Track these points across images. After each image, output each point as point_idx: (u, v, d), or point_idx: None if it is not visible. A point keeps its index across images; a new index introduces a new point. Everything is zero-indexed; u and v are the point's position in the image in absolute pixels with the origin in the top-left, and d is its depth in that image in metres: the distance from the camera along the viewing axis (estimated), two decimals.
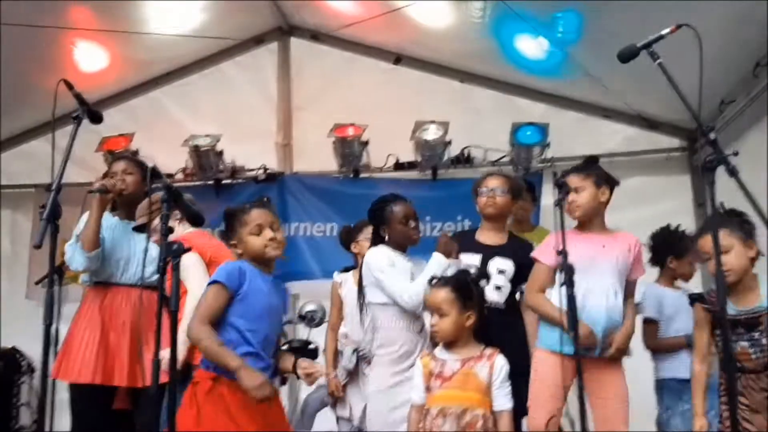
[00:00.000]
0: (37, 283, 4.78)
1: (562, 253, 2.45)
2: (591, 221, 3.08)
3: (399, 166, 5.64)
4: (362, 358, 3.56)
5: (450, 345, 2.45)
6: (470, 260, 3.27)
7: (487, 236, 3.40)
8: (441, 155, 5.41)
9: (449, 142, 5.35)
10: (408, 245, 3.28)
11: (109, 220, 3.50)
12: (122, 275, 3.45)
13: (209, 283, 2.48)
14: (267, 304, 2.48)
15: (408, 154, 5.53)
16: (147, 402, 3.22)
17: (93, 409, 3.37)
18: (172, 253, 2.01)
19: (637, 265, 3.05)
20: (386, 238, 3.27)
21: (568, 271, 2.41)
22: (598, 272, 2.96)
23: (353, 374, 3.61)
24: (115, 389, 3.39)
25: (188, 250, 2.04)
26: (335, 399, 3.71)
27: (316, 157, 5.72)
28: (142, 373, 3.29)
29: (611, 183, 3.13)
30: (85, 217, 3.39)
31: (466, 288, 2.51)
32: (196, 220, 2.24)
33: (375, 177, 5.66)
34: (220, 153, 5.59)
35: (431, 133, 5.26)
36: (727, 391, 2.27)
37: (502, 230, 3.41)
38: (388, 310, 3.10)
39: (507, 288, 3.27)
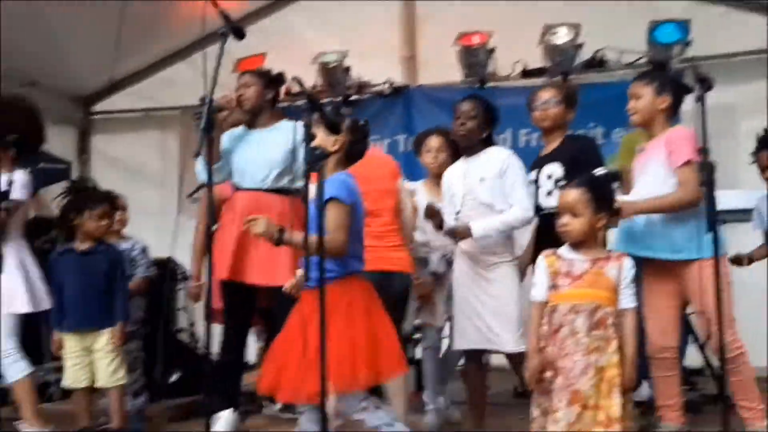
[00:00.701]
0: (189, 196, 5.16)
1: (703, 151, 2.38)
2: (651, 127, 3.08)
3: (527, 73, 5.51)
4: (449, 263, 3.71)
5: (578, 245, 2.47)
6: (532, 176, 3.37)
7: (544, 149, 3.47)
8: (572, 59, 5.22)
9: (581, 45, 5.15)
10: (459, 142, 3.42)
11: (236, 131, 3.70)
12: (245, 180, 3.64)
13: None
14: None
15: (536, 60, 5.38)
16: (283, 302, 3.50)
17: (236, 304, 3.60)
18: (315, 159, 2.14)
19: (671, 155, 2.94)
20: None
21: (708, 169, 2.34)
22: (644, 174, 3.05)
23: (441, 279, 3.77)
24: (257, 289, 3.64)
25: (329, 155, 2.16)
26: (421, 304, 3.84)
27: (441, 68, 5.69)
28: (274, 272, 3.50)
29: (678, 90, 3.09)
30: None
31: (601, 189, 2.49)
32: (334, 128, 2.34)
33: (502, 86, 5.56)
34: (347, 69, 5.69)
35: (561, 37, 5.09)
36: None
37: (559, 137, 3.42)
38: None
39: (557, 191, 3.26)
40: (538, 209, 3.31)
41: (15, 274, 3.43)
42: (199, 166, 3.65)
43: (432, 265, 3.76)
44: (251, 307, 3.69)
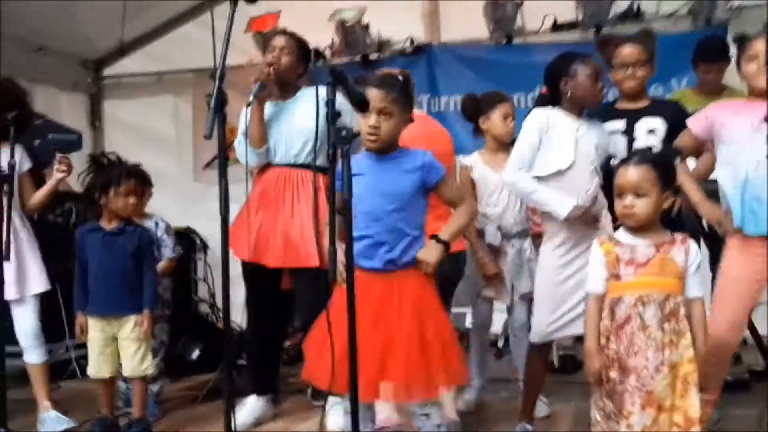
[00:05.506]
0: (205, 167, 5.00)
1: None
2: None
3: (557, 27, 5.20)
4: (505, 236, 3.50)
5: (638, 229, 2.21)
6: (614, 126, 3.07)
7: (629, 104, 3.14)
8: (606, 11, 4.92)
9: None
10: (590, 103, 3.03)
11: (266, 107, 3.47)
12: (276, 156, 3.45)
13: None
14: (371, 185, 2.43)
15: (568, 13, 5.08)
16: (306, 285, 3.28)
17: (259, 286, 3.48)
18: (341, 140, 1.90)
19: None
20: (567, 95, 3.00)
21: None
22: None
23: (497, 252, 3.52)
24: (280, 269, 3.46)
25: (357, 135, 1.92)
26: (486, 281, 3.58)
27: (466, 24, 5.40)
28: (294, 254, 3.30)
29: None
30: (246, 111, 3.33)
31: (667, 166, 2.23)
32: (361, 105, 2.09)
33: (530, 42, 5.30)
34: (366, 27, 5.43)
35: None
36: None
37: (645, 96, 3.15)
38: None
39: (659, 148, 3.01)
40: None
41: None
42: (240, 151, 3.42)
43: (488, 237, 3.53)
44: (276, 289, 3.51)
